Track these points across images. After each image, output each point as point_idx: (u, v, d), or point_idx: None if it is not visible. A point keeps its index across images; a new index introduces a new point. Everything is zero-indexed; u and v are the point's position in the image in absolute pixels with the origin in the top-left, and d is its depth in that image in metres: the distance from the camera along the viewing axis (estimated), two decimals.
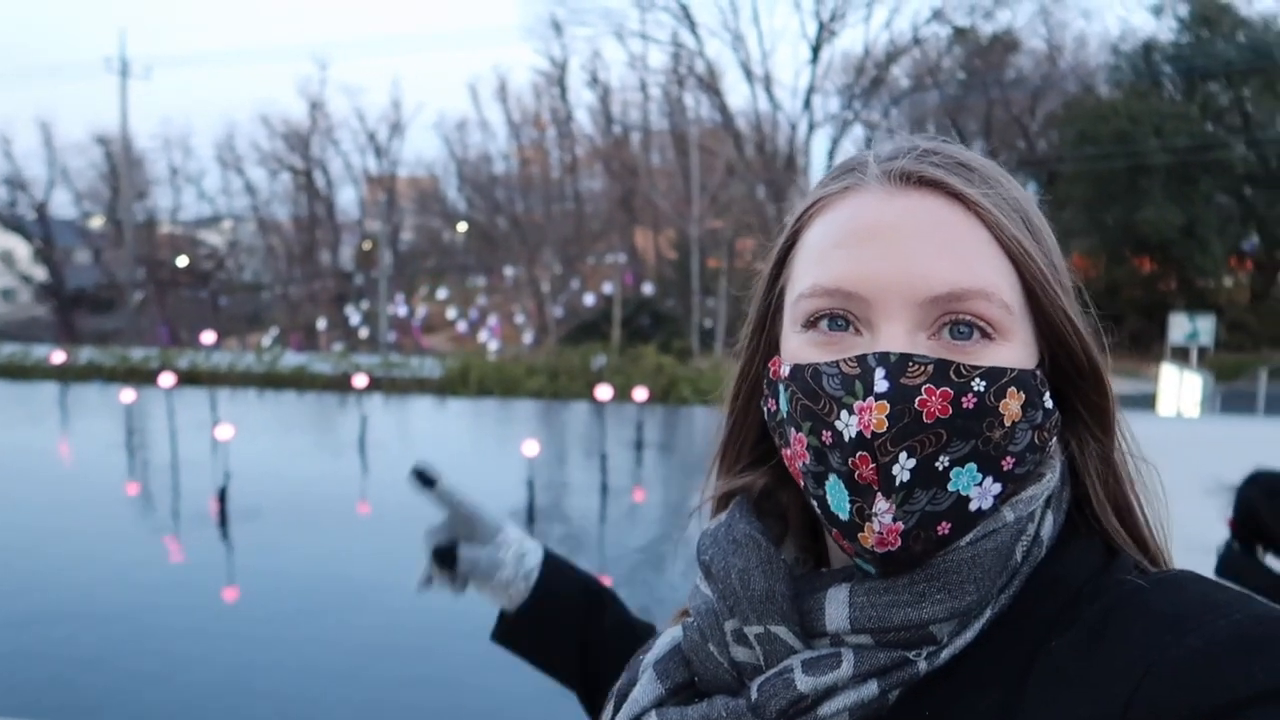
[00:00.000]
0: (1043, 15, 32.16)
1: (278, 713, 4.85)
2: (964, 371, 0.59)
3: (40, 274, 41.29)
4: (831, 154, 32.59)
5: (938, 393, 0.58)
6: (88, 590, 6.51)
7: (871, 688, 0.59)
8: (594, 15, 43.20)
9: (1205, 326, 21.60)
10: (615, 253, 40.00)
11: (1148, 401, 20.28)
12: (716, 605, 0.65)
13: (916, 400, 0.58)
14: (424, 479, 1.08)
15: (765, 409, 0.69)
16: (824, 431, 0.60)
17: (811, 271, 0.64)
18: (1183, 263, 29.18)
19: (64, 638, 5.65)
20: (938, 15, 31.32)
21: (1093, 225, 30.57)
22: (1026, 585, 0.61)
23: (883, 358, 0.59)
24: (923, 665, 0.59)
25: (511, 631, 1.08)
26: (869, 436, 0.57)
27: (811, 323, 0.63)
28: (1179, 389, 19.05)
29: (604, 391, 10.98)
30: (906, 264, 0.60)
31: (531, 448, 8.47)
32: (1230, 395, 19.08)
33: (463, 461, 11.63)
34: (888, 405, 0.57)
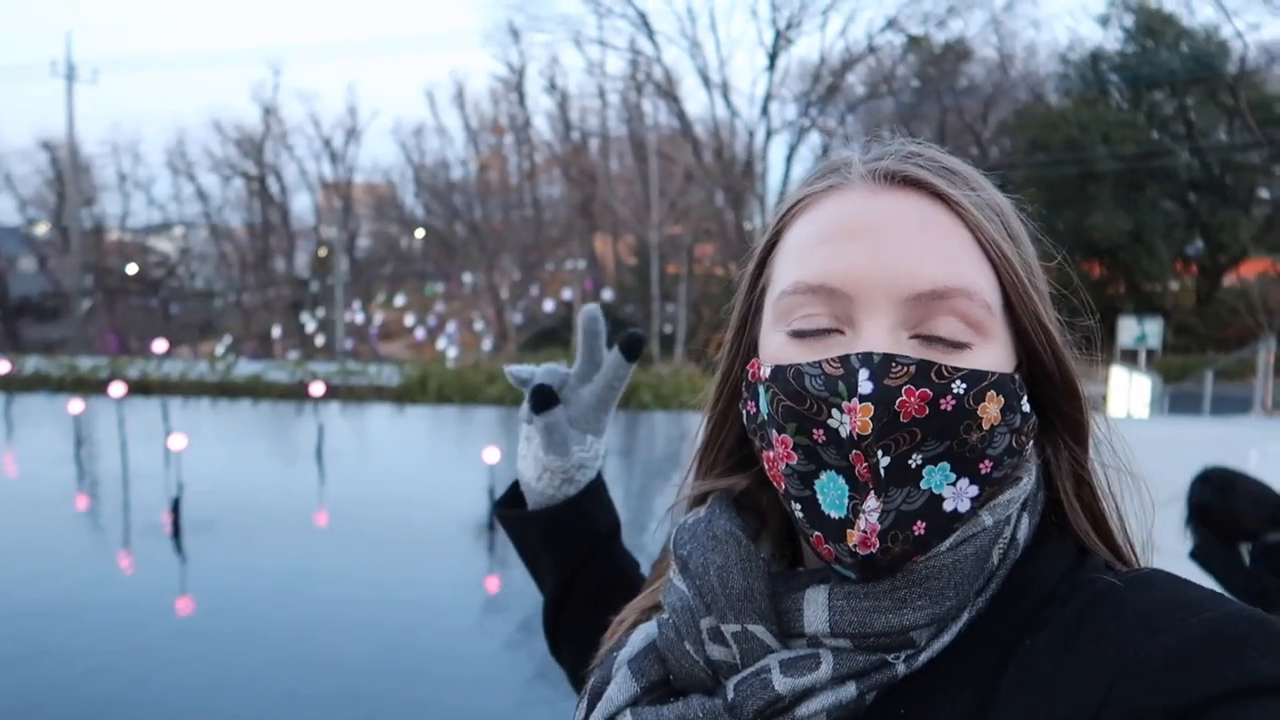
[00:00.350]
0: (994, 24, 32.79)
1: None
2: (945, 373, 0.59)
3: None
4: (789, 160, 32.89)
5: (917, 393, 0.58)
6: (35, 606, 6.33)
7: (849, 690, 0.59)
8: (552, 21, 43.27)
9: (1153, 329, 22.11)
10: (575, 259, 39.95)
11: (1098, 404, 20.70)
12: (693, 602, 0.64)
13: (897, 401, 0.58)
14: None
15: (744, 412, 0.68)
16: (815, 430, 0.60)
17: (794, 269, 0.64)
18: (1130, 267, 29.83)
19: (11, 655, 5.49)
20: (892, 24, 31.79)
21: (1045, 231, 31.08)
22: (1002, 586, 0.61)
23: (866, 358, 0.58)
24: (901, 668, 0.59)
25: (518, 519, 0.98)
26: (858, 438, 0.58)
27: (793, 321, 0.63)
28: (1128, 391, 19.46)
29: None
30: (890, 261, 0.60)
31: (493, 454, 8.41)
32: (1177, 396, 19.52)
33: (423, 469, 11.53)
34: (872, 407, 0.57)
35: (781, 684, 0.59)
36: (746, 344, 0.70)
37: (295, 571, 7.22)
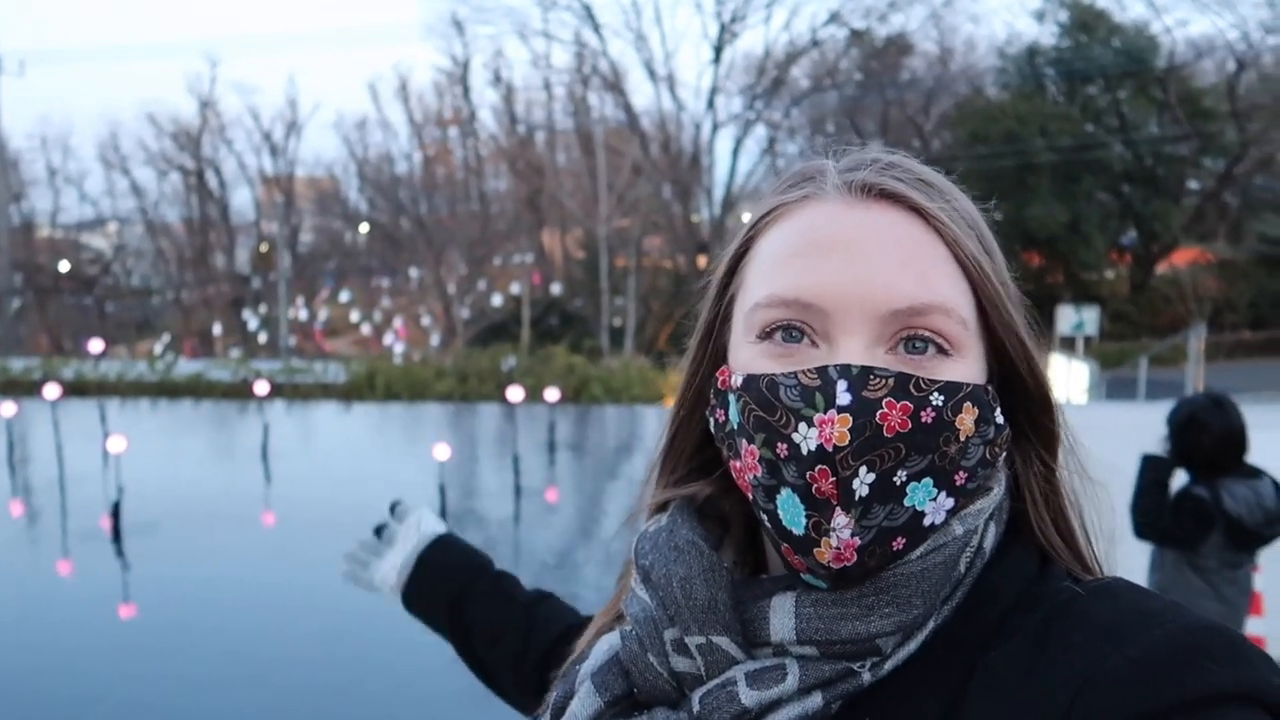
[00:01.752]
0: (934, 19, 33.30)
1: None
2: (923, 385, 0.58)
3: None
4: (735, 153, 33.07)
5: (898, 406, 0.57)
6: None
7: (816, 700, 0.59)
8: (496, 14, 42.93)
9: (1090, 317, 22.68)
10: (523, 253, 39.73)
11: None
12: (656, 613, 0.63)
13: (878, 414, 0.57)
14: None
15: (712, 419, 0.67)
16: (779, 444, 0.59)
17: (768, 281, 0.63)
18: (1068, 257, 30.53)
19: None
20: (834, 18, 32.12)
21: (986, 222, 31.68)
22: (967, 595, 0.62)
23: (844, 370, 0.58)
24: (867, 677, 0.59)
25: (405, 587, 1.19)
26: (830, 450, 0.56)
27: (767, 333, 0.62)
28: (1067, 377, 19.95)
29: (515, 393, 10.89)
30: (868, 277, 0.60)
31: (443, 451, 8.34)
32: (1113, 382, 20.07)
33: (372, 467, 11.39)
34: (850, 418, 0.56)
35: (748, 696, 0.58)
36: (714, 351, 0.69)
37: (241, 574, 7.10)
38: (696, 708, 0.60)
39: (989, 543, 0.63)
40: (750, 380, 0.61)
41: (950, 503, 0.60)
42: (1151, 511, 3.21)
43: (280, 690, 5.09)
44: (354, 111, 65.91)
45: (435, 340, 35.31)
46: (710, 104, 32.28)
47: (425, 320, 39.35)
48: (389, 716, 4.78)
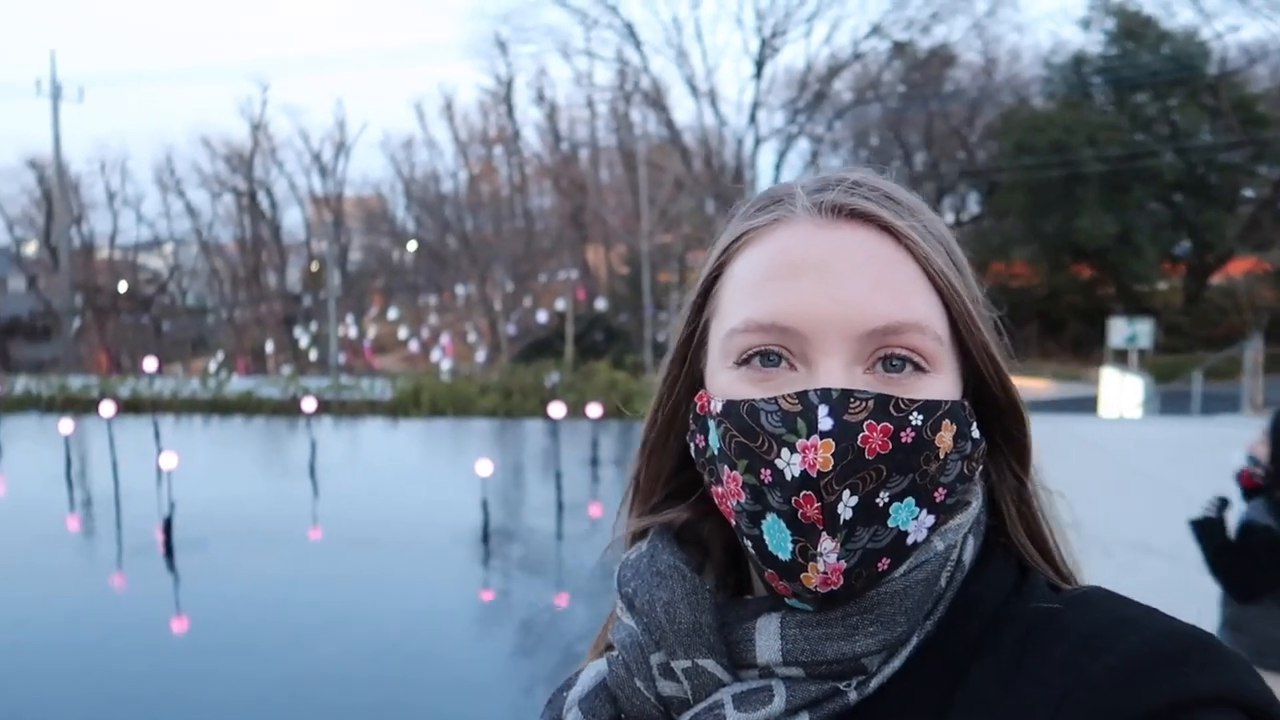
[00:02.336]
0: (977, 30, 33.00)
1: None
2: (903, 406, 0.59)
3: None
4: (778, 167, 33.01)
5: (879, 428, 0.58)
6: (29, 627, 6.30)
7: None
8: (538, 33, 43.31)
9: (1144, 330, 22.21)
10: (567, 269, 39.95)
11: (1090, 404, 20.75)
12: (641, 638, 0.64)
13: (859, 437, 0.57)
14: None
15: (693, 444, 0.67)
16: (762, 470, 0.59)
17: (743, 306, 0.63)
18: (1119, 269, 29.96)
19: (3, 676, 5.45)
20: (876, 30, 31.97)
21: (1032, 233, 31.25)
22: (948, 609, 0.62)
23: (825, 394, 0.58)
24: (853, 696, 0.59)
25: None
26: (814, 475, 0.56)
27: (744, 359, 0.62)
28: (1120, 391, 19.53)
29: (557, 409, 10.93)
30: (843, 298, 0.60)
31: (485, 467, 8.39)
32: (1168, 396, 19.60)
33: (416, 483, 11.50)
34: (833, 443, 0.57)
35: (735, 719, 0.59)
36: (689, 376, 0.69)
37: (289, 588, 7.19)
38: None
39: (968, 556, 0.64)
40: (730, 406, 0.61)
41: (931, 520, 0.61)
42: (1240, 570, 2.92)
43: (324, 705, 5.14)
44: (400, 131, 66.95)
45: (481, 356, 35.61)
46: (752, 119, 32.29)
47: (471, 337, 39.71)
48: None
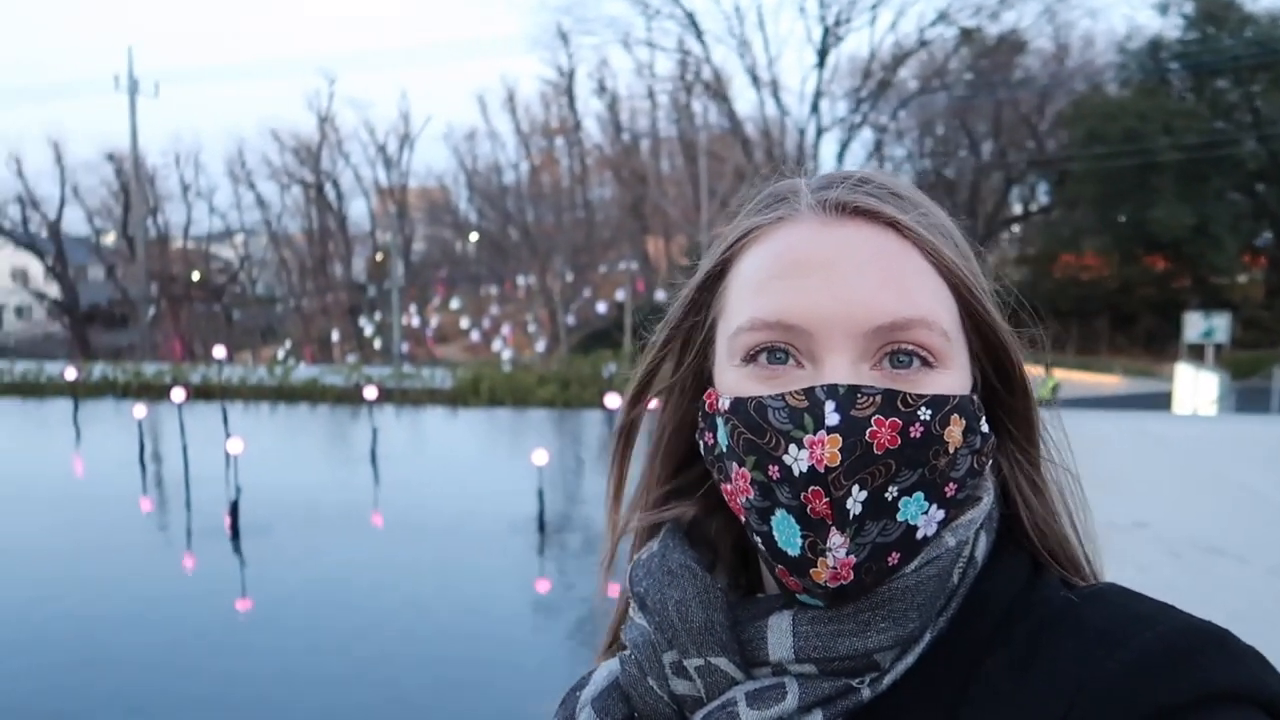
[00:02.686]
0: (1049, 15, 32.12)
1: None
2: (910, 401, 0.59)
3: (53, 291, 41.61)
4: (841, 157, 32.59)
5: (887, 423, 0.58)
6: (100, 603, 6.53)
7: (816, 717, 0.59)
8: (600, 24, 43.42)
9: (1221, 324, 21.45)
10: (627, 260, 40.04)
11: (1163, 401, 20.13)
12: (654, 637, 0.64)
13: (867, 432, 0.57)
14: None
15: (702, 442, 0.67)
16: (770, 466, 0.59)
17: (749, 305, 0.63)
18: (1196, 260, 29.01)
19: (78, 656, 5.66)
20: (943, 17, 31.33)
21: (1104, 224, 30.42)
22: (961, 605, 0.62)
23: (831, 390, 0.58)
24: (866, 693, 0.59)
25: None
26: (822, 471, 0.57)
27: (751, 356, 0.62)
28: (1194, 387, 18.91)
29: (613, 400, 10.96)
30: (848, 295, 0.60)
31: (541, 456, 8.45)
32: (1245, 393, 18.92)
33: (474, 471, 11.65)
34: (840, 438, 0.57)
35: (748, 716, 0.59)
36: (696, 373, 0.69)
37: (349, 571, 7.34)
38: None
39: (980, 552, 0.63)
40: (738, 403, 0.62)
41: (941, 514, 0.61)
42: None
43: (384, 682, 5.23)
44: (463, 123, 67.82)
45: (540, 346, 35.89)
46: (814, 108, 31.94)
47: (531, 327, 40.05)
48: (502, 709, 4.86)
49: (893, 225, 0.63)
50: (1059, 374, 20.72)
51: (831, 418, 0.57)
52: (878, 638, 0.58)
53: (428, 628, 6.10)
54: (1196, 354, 21.55)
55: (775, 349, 0.61)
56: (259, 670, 5.45)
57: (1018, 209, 39.35)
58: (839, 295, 0.60)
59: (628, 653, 0.66)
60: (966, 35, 32.26)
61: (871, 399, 0.58)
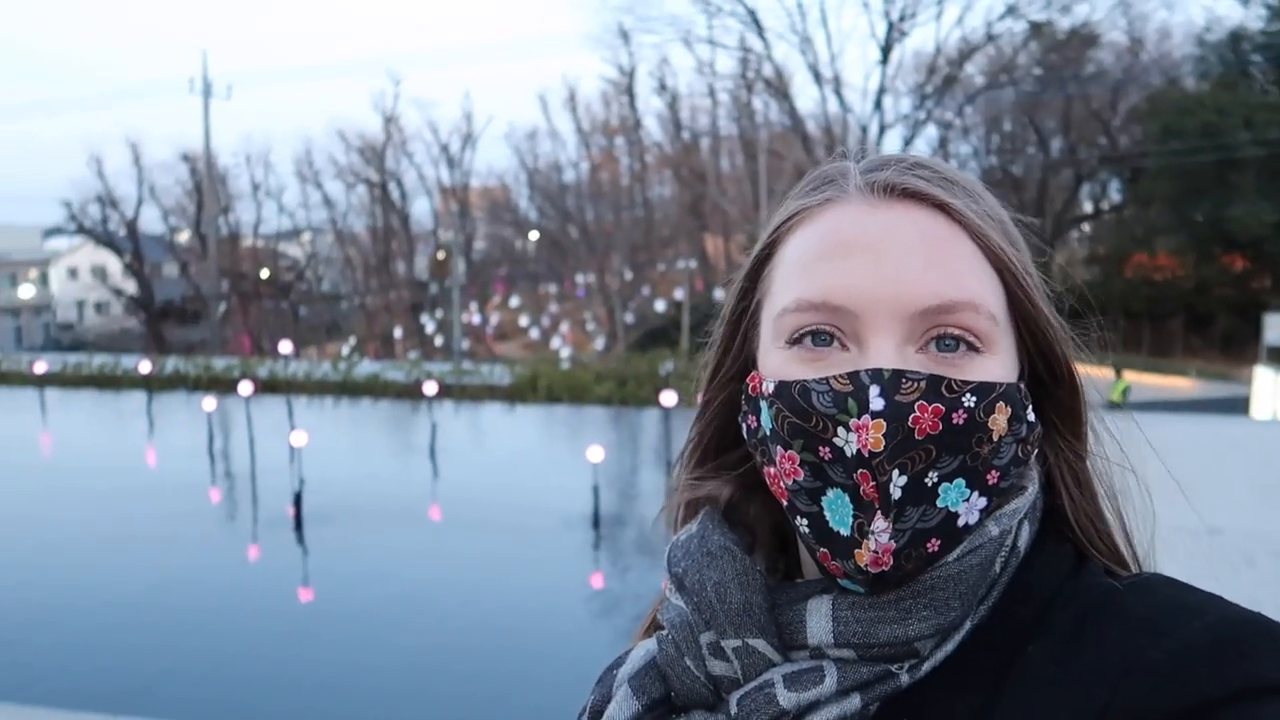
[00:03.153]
0: (1122, 7, 31.19)
1: (349, 710, 4.93)
2: (955, 387, 0.58)
3: (130, 288, 43.04)
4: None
5: (929, 409, 0.58)
6: (168, 588, 6.72)
7: (854, 701, 0.58)
8: (661, 22, 43.47)
9: None
10: (685, 258, 40.00)
11: (1240, 405, 19.43)
12: (691, 618, 0.63)
13: (910, 418, 0.57)
14: None
15: (744, 426, 0.67)
16: (821, 448, 0.59)
17: (795, 285, 0.63)
18: (1276, 260, 27.95)
19: (148, 640, 5.83)
20: (1012, 11, 30.64)
21: (1179, 222, 29.50)
22: (1002, 593, 0.61)
23: (876, 374, 0.58)
24: (905, 679, 0.59)
25: None
26: (867, 455, 0.57)
27: (796, 339, 0.62)
28: (1275, 391, 18.23)
29: (668, 397, 10.95)
30: (895, 277, 0.60)
31: (596, 453, 8.47)
32: None
33: (530, 467, 11.73)
34: (884, 424, 0.57)
35: (785, 698, 0.58)
36: (741, 355, 0.69)
37: (407, 563, 7.44)
38: (734, 710, 0.60)
39: (1023, 541, 0.63)
40: (783, 387, 0.61)
41: (983, 502, 0.60)
42: None
43: (438, 671, 5.29)
44: (525, 122, 68.33)
45: (599, 344, 36.04)
46: (877, 104, 31.50)
47: (590, 325, 40.23)
48: (542, 705, 4.88)
49: (941, 209, 0.62)
50: (1130, 376, 20.12)
51: (876, 402, 0.57)
52: (919, 625, 0.58)
53: (481, 619, 6.16)
54: (1277, 357, 20.76)
55: (820, 331, 0.61)
56: (319, 656, 5.56)
57: (1088, 207, 38.35)
58: (885, 276, 0.59)
59: (665, 633, 0.65)
60: (1036, 29, 31.51)
61: (916, 384, 0.58)
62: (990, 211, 0.64)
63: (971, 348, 0.60)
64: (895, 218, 0.61)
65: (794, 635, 0.61)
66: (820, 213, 0.64)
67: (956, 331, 0.59)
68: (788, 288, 0.63)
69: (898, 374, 0.57)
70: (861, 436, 0.57)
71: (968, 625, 0.60)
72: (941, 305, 0.59)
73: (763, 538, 0.70)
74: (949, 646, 0.59)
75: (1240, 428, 13.73)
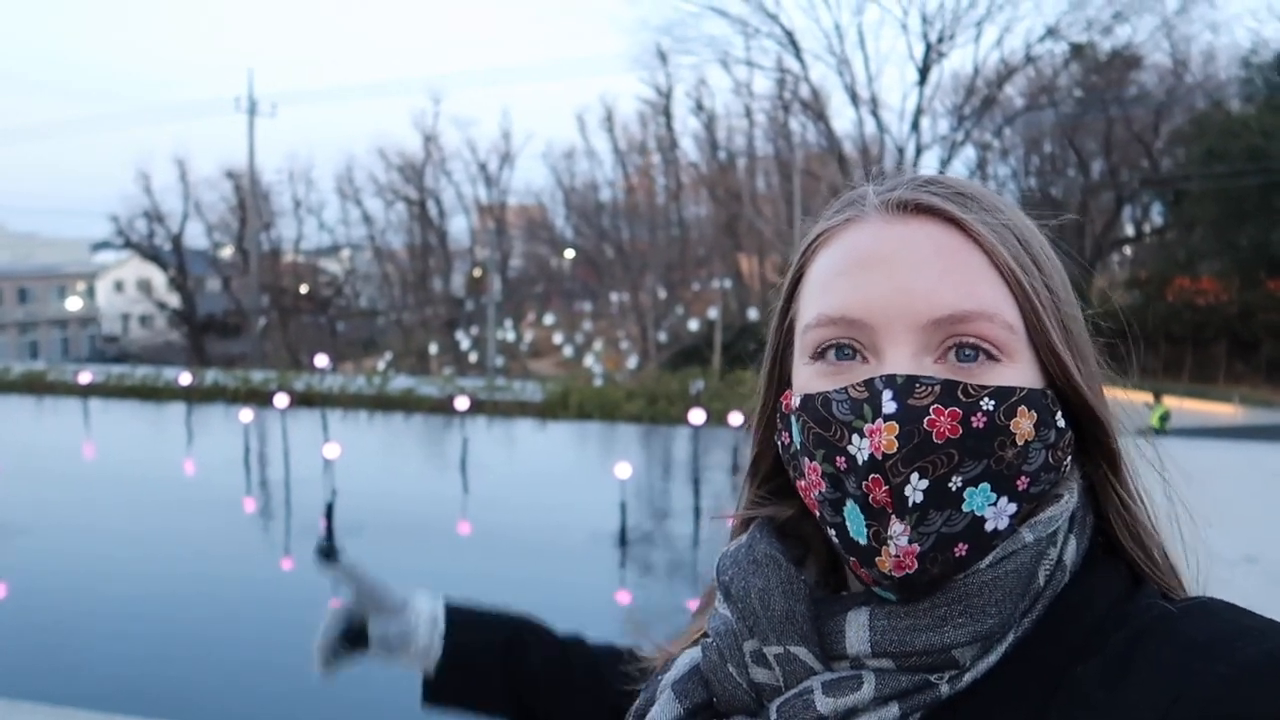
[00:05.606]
0: (1166, 29, 30.83)
1: None
2: (972, 391, 0.59)
3: (174, 301, 43.88)
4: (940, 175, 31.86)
5: (946, 413, 0.58)
6: (202, 598, 6.82)
7: (892, 710, 0.59)
8: (699, 43, 43.49)
9: None
10: (719, 278, 40.00)
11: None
12: (735, 625, 0.65)
13: (925, 420, 0.58)
14: (326, 555, 1.12)
15: (779, 443, 0.69)
16: (838, 458, 0.61)
17: (816, 303, 0.66)
18: None
19: (177, 652, 5.93)
20: (1052, 33, 30.37)
21: (1223, 246, 29.01)
22: (1050, 610, 0.61)
23: (889, 380, 0.60)
24: (945, 689, 0.59)
25: (437, 692, 1.13)
26: (880, 458, 0.58)
27: (819, 353, 0.64)
28: None
29: (697, 415, 10.94)
30: (908, 287, 0.61)
31: (624, 470, 8.49)
32: None
33: (559, 483, 11.76)
34: (897, 426, 0.58)
35: (824, 705, 0.59)
36: (780, 377, 0.72)
37: (436, 578, 7.49)
38: (774, 716, 0.61)
39: (1069, 557, 0.63)
40: (807, 400, 0.64)
41: (1013, 508, 0.60)
42: None
43: None
44: (562, 141, 68.96)
45: (632, 363, 36.08)
46: (914, 126, 31.34)
47: (624, 343, 40.32)
48: None
49: (956, 223, 0.63)
50: (1171, 402, 19.75)
51: (888, 406, 0.58)
52: (954, 633, 0.58)
53: None
54: None
55: (842, 345, 0.63)
56: (348, 669, 5.60)
57: (1130, 230, 37.82)
58: (900, 288, 0.61)
59: (710, 639, 0.67)
60: (1077, 50, 31.24)
61: (930, 389, 0.59)
62: (1011, 227, 0.65)
63: (991, 357, 0.61)
64: (909, 232, 0.64)
65: (835, 645, 0.62)
66: (841, 232, 0.67)
67: (974, 341, 0.61)
68: (810, 305, 0.66)
69: (911, 379, 0.59)
70: (874, 440, 0.58)
71: (1010, 638, 0.60)
72: (955, 315, 0.60)
73: (817, 550, 0.72)
74: (991, 659, 0.59)
75: None
